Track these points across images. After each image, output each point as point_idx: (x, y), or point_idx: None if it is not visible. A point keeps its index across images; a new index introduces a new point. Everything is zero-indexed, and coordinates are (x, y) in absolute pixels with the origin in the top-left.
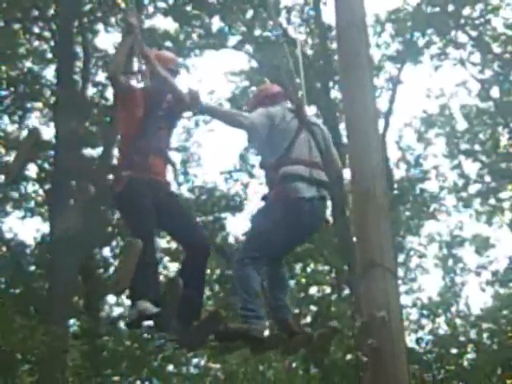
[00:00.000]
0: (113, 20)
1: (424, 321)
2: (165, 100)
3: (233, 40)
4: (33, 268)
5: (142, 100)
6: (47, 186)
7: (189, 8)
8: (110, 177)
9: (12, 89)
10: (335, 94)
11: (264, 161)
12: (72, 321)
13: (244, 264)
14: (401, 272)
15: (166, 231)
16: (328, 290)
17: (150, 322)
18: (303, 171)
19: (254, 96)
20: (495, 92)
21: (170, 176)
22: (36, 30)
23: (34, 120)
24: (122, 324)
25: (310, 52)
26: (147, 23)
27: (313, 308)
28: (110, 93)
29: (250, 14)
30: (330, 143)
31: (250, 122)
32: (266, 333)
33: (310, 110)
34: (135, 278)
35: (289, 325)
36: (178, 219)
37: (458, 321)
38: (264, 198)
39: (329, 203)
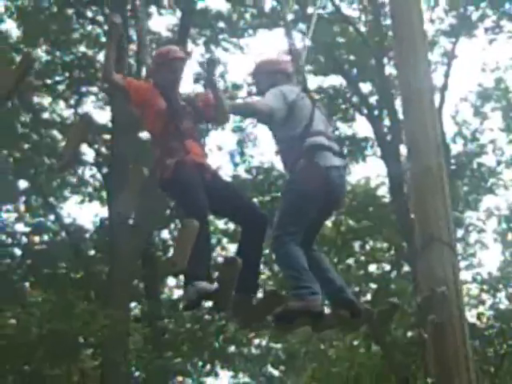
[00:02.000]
0: (165, 2)
1: (484, 296)
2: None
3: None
4: (92, 252)
5: (155, 92)
6: (105, 171)
7: None
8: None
9: (67, 74)
10: (390, 70)
11: (282, 135)
12: (133, 304)
13: (284, 242)
14: (460, 247)
15: (219, 212)
16: (387, 267)
17: (209, 303)
18: (327, 142)
19: (264, 63)
20: None
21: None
22: (89, 14)
23: (89, 104)
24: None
25: (363, 29)
26: (200, 4)
27: (372, 286)
28: None
29: None
30: None
31: (269, 108)
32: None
33: (365, 87)
34: (191, 259)
35: (355, 305)
36: (228, 198)
37: None
38: (288, 169)
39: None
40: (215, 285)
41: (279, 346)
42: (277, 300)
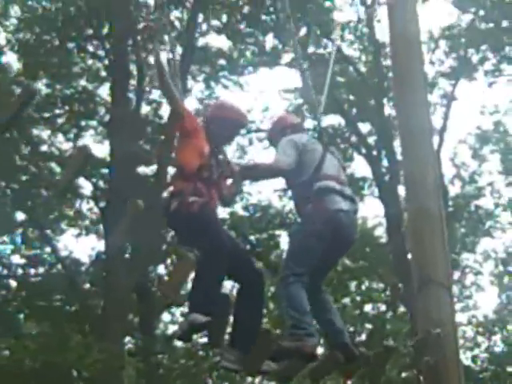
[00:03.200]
0: (166, 38)
1: (480, 339)
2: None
3: (286, 57)
4: (88, 286)
5: (204, 135)
6: (102, 204)
7: (242, 26)
8: (172, 200)
9: (67, 107)
10: (389, 110)
11: (293, 181)
12: (127, 338)
13: (289, 282)
14: (456, 289)
15: None
16: (383, 307)
17: (203, 338)
18: (337, 186)
19: (273, 123)
20: None
21: None
22: (90, 48)
23: (88, 138)
24: (177, 341)
25: (363, 69)
26: (201, 41)
27: (368, 326)
28: (164, 111)
29: (303, 31)
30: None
31: (287, 164)
32: (320, 351)
33: (364, 127)
34: (196, 293)
35: (348, 348)
36: (232, 253)
37: None
38: (298, 213)
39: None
40: (207, 318)
41: None
42: (270, 339)
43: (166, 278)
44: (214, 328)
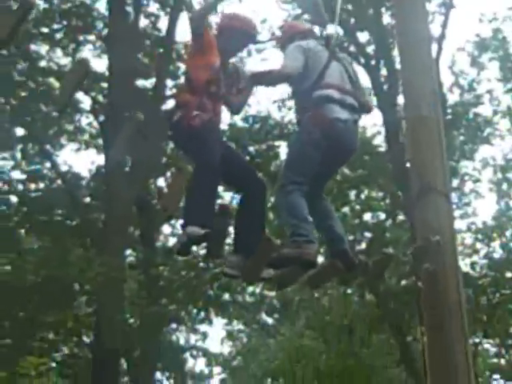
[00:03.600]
0: None
1: (479, 245)
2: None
3: None
4: (88, 200)
5: (216, 50)
6: (101, 118)
7: None
8: (177, 111)
9: (64, 22)
10: (387, 20)
11: (296, 88)
12: (128, 251)
13: (288, 191)
14: (455, 197)
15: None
16: (383, 216)
17: (204, 250)
18: (336, 95)
19: (283, 32)
20: None
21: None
22: None
23: (87, 53)
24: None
25: None
26: None
27: (367, 234)
28: (162, 24)
29: None
30: (358, 78)
31: (295, 67)
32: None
33: (363, 36)
34: (190, 205)
35: (347, 256)
36: (232, 163)
37: None
38: (298, 122)
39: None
40: (206, 230)
41: (273, 294)
42: (270, 247)
43: (165, 190)
44: (213, 240)
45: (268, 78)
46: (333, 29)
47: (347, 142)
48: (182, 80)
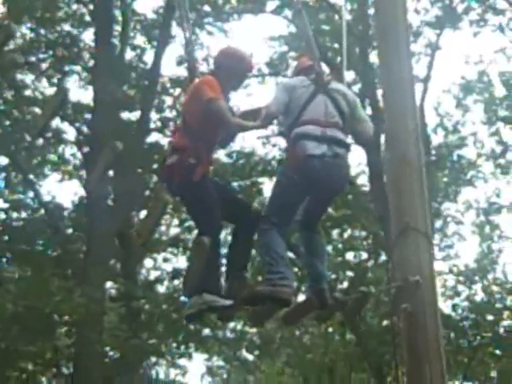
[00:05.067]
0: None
1: (460, 287)
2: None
3: (271, 5)
4: (70, 231)
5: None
6: (85, 149)
7: None
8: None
9: (51, 52)
10: (373, 59)
11: (283, 126)
12: (109, 284)
13: (266, 230)
14: (438, 238)
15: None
16: (365, 255)
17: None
18: (313, 130)
19: (293, 69)
20: None
21: None
22: None
23: (72, 83)
24: (158, 287)
25: (348, 17)
26: None
27: (349, 274)
28: (148, 57)
29: None
30: (356, 107)
31: (274, 109)
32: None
33: (349, 75)
34: (202, 271)
35: (323, 295)
36: (226, 201)
37: (495, 288)
38: (279, 162)
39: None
40: (229, 301)
41: (254, 330)
42: (245, 284)
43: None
44: (230, 309)
45: (251, 125)
46: (322, 66)
47: (325, 177)
48: (167, 114)
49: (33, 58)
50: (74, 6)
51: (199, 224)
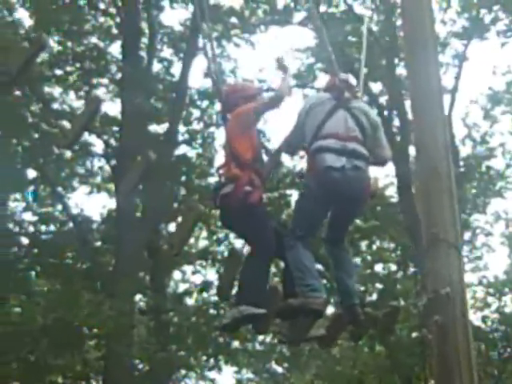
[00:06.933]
0: None
1: (490, 299)
2: None
3: (298, 16)
4: (99, 243)
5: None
6: (113, 162)
7: None
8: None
9: (78, 65)
10: (401, 70)
11: (305, 144)
12: (138, 297)
13: (292, 245)
14: (467, 250)
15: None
16: (394, 267)
17: (214, 296)
18: (333, 143)
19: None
20: None
21: None
22: (102, 5)
23: (99, 96)
24: (187, 300)
25: (375, 28)
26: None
27: (378, 285)
28: (175, 69)
29: None
30: (377, 128)
31: (286, 142)
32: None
33: (376, 86)
34: (245, 285)
35: (355, 311)
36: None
37: None
38: (301, 176)
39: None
40: (262, 310)
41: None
42: (276, 294)
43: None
44: (264, 318)
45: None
46: (348, 79)
47: (346, 189)
48: (195, 127)
49: (60, 71)
50: (101, 19)
51: (256, 247)
